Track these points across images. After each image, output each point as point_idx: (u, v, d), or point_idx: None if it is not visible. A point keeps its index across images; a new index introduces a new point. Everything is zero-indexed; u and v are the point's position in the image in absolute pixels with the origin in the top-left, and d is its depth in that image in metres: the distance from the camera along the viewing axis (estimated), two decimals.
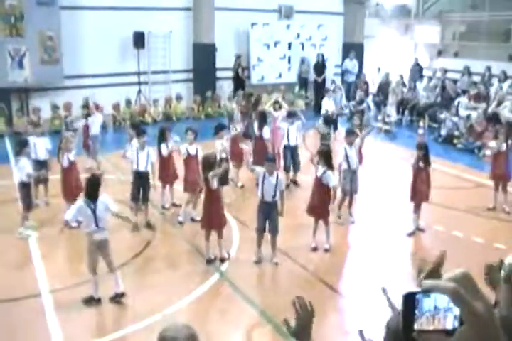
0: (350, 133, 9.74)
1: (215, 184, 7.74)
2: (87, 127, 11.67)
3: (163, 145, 9.53)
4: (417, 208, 9.00)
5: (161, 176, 9.78)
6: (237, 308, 6.83)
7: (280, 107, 12.13)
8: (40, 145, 9.80)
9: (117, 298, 6.79)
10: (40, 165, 9.67)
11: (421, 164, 8.78)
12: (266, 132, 11.01)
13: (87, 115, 11.79)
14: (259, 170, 7.99)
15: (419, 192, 8.87)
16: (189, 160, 9.36)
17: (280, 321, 6.38)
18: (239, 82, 18.35)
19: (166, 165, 9.73)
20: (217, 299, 7.14)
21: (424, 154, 8.76)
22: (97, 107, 12.64)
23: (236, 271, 7.73)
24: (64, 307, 6.65)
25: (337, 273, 7.94)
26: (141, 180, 8.96)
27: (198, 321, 6.52)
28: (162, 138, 9.60)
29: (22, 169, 8.72)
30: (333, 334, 6.30)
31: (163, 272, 7.65)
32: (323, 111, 14.10)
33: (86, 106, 12.23)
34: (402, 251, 8.63)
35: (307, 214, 8.47)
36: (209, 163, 7.76)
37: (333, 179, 8.27)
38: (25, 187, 8.85)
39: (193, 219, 9.30)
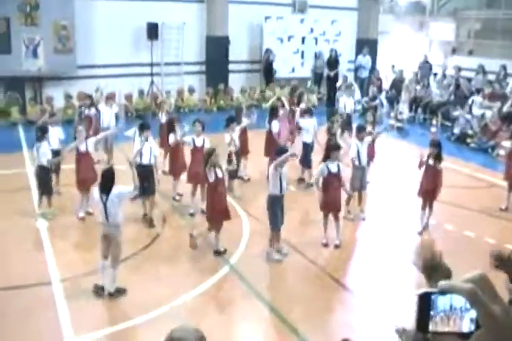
0: (361, 130, 9.72)
1: (212, 177, 7.71)
2: (90, 118, 11.45)
3: (171, 136, 9.57)
4: (425, 205, 8.97)
5: (170, 167, 9.79)
6: (245, 301, 6.85)
7: (283, 105, 12.05)
8: (54, 135, 9.82)
9: (104, 294, 6.74)
10: (54, 154, 9.69)
11: (431, 162, 8.73)
12: (275, 126, 11.00)
13: (91, 105, 11.67)
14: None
15: (425, 190, 8.85)
16: (195, 151, 9.35)
17: (287, 315, 6.42)
18: (268, 76, 18.61)
19: (174, 156, 9.74)
20: (226, 292, 7.16)
21: (437, 152, 8.72)
22: (109, 98, 12.49)
23: (245, 264, 7.74)
24: (73, 296, 6.70)
25: (346, 269, 7.94)
26: (144, 173, 8.85)
27: (206, 313, 6.55)
28: (171, 128, 9.65)
29: (44, 154, 8.88)
30: (340, 330, 6.29)
31: (173, 264, 7.66)
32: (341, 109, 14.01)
33: (89, 96, 12.13)
34: (410, 247, 8.60)
35: (321, 209, 8.45)
36: (205, 156, 7.77)
37: (317, 173, 8.33)
38: (44, 171, 8.98)
39: (203, 211, 9.29)
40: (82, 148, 9.03)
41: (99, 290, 6.75)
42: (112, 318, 6.34)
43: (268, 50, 18.65)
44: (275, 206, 7.82)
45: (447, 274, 4.02)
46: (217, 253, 7.92)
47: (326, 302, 7.01)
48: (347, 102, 13.65)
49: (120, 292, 6.79)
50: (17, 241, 8.11)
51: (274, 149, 8.68)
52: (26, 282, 6.90)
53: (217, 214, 7.87)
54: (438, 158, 8.75)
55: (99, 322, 6.27)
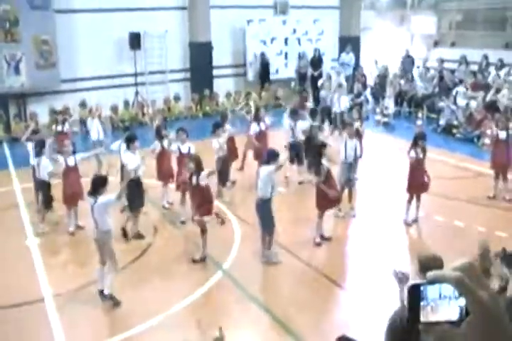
0: (350, 125, 9.79)
1: (193, 181, 7.77)
2: (64, 134, 11.29)
3: (156, 143, 9.62)
4: (412, 199, 8.99)
5: (157, 175, 9.82)
6: (240, 305, 6.85)
7: (251, 110, 12.06)
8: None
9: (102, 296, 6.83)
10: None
11: (421, 155, 8.79)
12: (252, 129, 11.06)
13: (64, 120, 11.54)
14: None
15: (416, 184, 8.86)
16: (181, 158, 9.34)
17: (283, 317, 6.43)
18: (265, 78, 19.07)
19: (160, 163, 9.75)
20: (220, 297, 7.15)
21: (423, 144, 8.79)
22: (95, 111, 12.49)
23: (238, 268, 7.75)
24: (67, 311, 6.68)
25: (339, 267, 7.95)
26: (136, 186, 8.69)
27: (201, 319, 6.53)
28: (158, 136, 9.71)
29: (45, 168, 8.89)
30: (336, 329, 6.29)
31: (166, 272, 7.65)
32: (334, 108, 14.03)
33: (60, 112, 12.01)
34: (403, 242, 8.64)
35: (321, 207, 8.45)
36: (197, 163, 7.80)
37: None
38: (45, 185, 9.06)
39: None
40: (70, 162, 9.00)
41: (101, 295, 6.82)
42: (107, 331, 6.34)
43: (263, 53, 18.85)
44: (269, 209, 7.83)
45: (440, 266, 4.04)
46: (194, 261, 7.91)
47: (321, 301, 7.02)
48: (341, 100, 13.71)
49: (114, 300, 6.81)
50: (8, 260, 8.08)
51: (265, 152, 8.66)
52: (19, 300, 6.87)
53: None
54: (424, 150, 8.82)
55: (94, 336, 6.26)
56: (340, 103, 13.74)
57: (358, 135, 10.69)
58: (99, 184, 6.86)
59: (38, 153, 9.00)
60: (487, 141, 10.53)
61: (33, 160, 9.19)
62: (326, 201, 8.37)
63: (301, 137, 10.99)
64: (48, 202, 9.12)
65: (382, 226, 9.10)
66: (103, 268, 6.88)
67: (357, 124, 10.84)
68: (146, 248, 8.48)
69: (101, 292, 6.85)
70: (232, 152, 10.75)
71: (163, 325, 6.40)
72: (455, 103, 15.00)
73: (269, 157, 7.94)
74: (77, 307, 6.76)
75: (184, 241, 8.77)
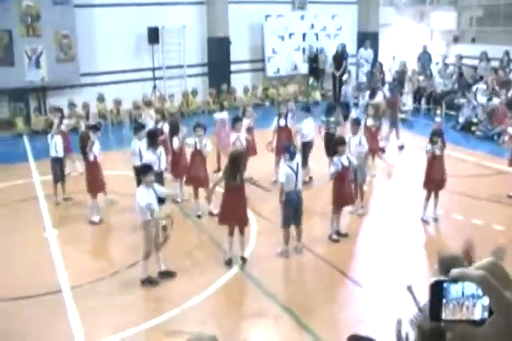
0: (356, 123, 9.73)
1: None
2: (63, 132, 11.03)
3: (175, 139, 9.61)
4: (430, 196, 8.94)
5: (173, 170, 9.84)
6: (255, 300, 6.86)
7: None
8: (60, 143, 9.93)
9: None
10: (60, 162, 9.84)
11: (437, 152, 8.72)
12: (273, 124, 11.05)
13: (61, 118, 11.29)
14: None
15: (433, 180, 8.82)
16: (195, 154, 9.36)
17: (298, 312, 6.44)
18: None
19: (177, 159, 9.78)
20: (236, 292, 7.18)
21: (441, 141, 8.71)
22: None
23: (254, 263, 7.76)
24: (85, 303, 6.73)
25: (355, 263, 7.94)
26: (159, 181, 8.88)
27: (217, 314, 6.58)
28: (174, 131, 9.72)
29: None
30: (351, 325, 6.30)
31: (182, 266, 7.68)
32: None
33: (59, 109, 12.02)
34: (420, 240, 8.59)
35: (337, 204, 8.44)
36: (233, 159, 7.65)
37: (332, 168, 8.30)
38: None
39: (211, 213, 9.33)
40: (91, 157, 9.10)
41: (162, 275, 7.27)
42: (124, 323, 6.35)
43: (311, 46, 19.29)
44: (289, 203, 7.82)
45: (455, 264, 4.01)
46: (227, 263, 7.78)
47: (337, 298, 7.02)
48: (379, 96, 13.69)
49: (151, 282, 7.13)
50: (26, 251, 8.17)
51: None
52: (37, 291, 6.95)
53: (236, 215, 7.74)
54: (442, 147, 8.76)
55: (111, 327, 6.31)
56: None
57: (370, 132, 10.64)
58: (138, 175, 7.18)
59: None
60: (507, 138, 10.41)
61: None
62: (340, 198, 8.38)
63: (307, 138, 10.87)
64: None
65: (400, 223, 9.06)
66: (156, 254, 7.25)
67: (370, 121, 10.79)
68: (163, 241, 8.50)
69: (160, 274, 7.27)
70: (250, 147, 10.72)
71: (179, 320, 6.44)
72: (475, 99, 14.85)
73: (284, 150, 7.93)
74: (95, 299, 6.81)
75: (200, 235, 8.81)
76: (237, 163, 7.53)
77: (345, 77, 16.88)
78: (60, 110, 11.68)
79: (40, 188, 10.74)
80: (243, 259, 7.80)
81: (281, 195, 7.75)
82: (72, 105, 15.06)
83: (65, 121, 11.42)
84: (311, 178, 10.93)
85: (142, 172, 7.18)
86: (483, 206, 9.61)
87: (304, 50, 19.40)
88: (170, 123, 10.43)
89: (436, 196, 8.93)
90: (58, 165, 9.88)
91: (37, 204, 9.94)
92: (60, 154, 9.93)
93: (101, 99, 15.97)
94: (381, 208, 9.73)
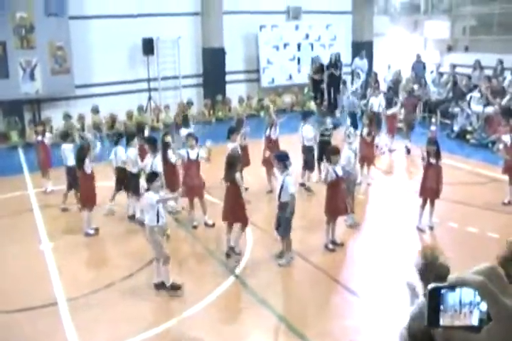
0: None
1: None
2: (43, 145, 11.24)
3: (169, 152, 9.58)
4: (425, 204, 8.94)
5: (168, 183, 9.79)
6: (251, 309, 6.85)
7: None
8: (69, 152, 9.99)
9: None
10: (70, 171, 9.91)
11: (432, 160, 8.74)
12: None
13: (43, 131, 11.45)
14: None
15: (429, 189, 8.83)
16: (189, 165, 9.35)
17: (293, 321, 6.42)
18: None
19: (172, 171, 9.73)
20: (232, 301, 7.15)
21: (435, 150, 8.73)
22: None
23: (250, 273, 7.76)
24: (81, 315, 6.71)
25: (350, 272, 7.91)
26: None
27: (214, 324, 6.55)
28: (166, 144, 9.68)
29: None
30: (347, 334, 6.29)
31: (178, 277, 7.66)
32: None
33: (40, 123, 12.06)
34: (416, 248, 8.56)
35: (329, 214, 8.44)
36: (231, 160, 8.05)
37: (325, 175, 8.31)
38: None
39: (206, 224, 9.32)
40: (88, 170, 9.10)
41: (158, 286, 7.23)
42: (121, 334, 6.32)
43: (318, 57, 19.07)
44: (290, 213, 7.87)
45: (444, 273, 3.98)
46: (228, 255, 8.18)
47: (332, 306, 7.00)
48: (375, 102, 13.75)
49: (175, 288, 7.15)
50: (22, 264, 8.12)
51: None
52: (33, 304, 6.91)
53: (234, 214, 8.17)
54: (437, 155, 8.77)
55: (107, 339, 6.27)
56: (375, 104, 13.85)
57: (365, 141, 10.65)
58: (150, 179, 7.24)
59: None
60: (501, 146, 10.45)
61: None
62: (332, 208, 8.38)
63: (308, 142, 10.94)
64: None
65: (395, 232, 9.05)
66: (156, 263, 7.24)
67: (365, 130, 10.82)
68: None
69: (155, 285, 7.21)
70: (244, 158, 10.71)
71: (175, 329, 6.42)
72: (469, 108, 14.91)
73: (278, 159, 7.91)
74: (91, 311, 6.79)
75: (195, 246, 8.80)
76: (234, 164, 7.98)
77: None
78: (42, 124, 11.77)
79: (35, 200, 10.72)
80: (231, 249, 8.20)
81: (293, 206, 7.81)
82: (67, 117, 15.08)
83: (48, 135, 11.45)
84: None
85: (150, 179, 7.21)
86: (478, 214, 9.62)
87: (312, 60, 19.27)
88: (161, 136, 10.19)
89: (432, 204, 8.93)
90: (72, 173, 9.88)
91: (32, 216, 9.92)
92: (71, 164, 9.92)
93: (95, 110, 15.97)
94: (377, 217, 9.73)
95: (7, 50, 14.85)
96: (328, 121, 11.14)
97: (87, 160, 8.98)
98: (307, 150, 10.91)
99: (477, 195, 10.43)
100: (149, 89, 17.21)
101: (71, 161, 9.85)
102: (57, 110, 15.66)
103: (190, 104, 17.43)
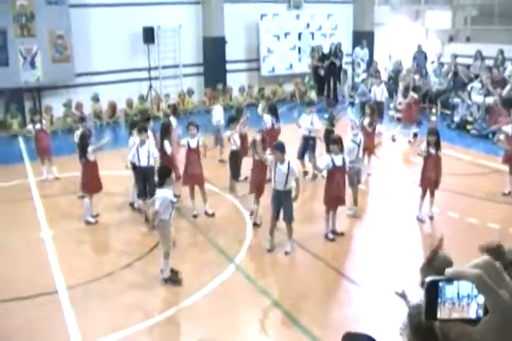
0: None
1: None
2: (43, 131, 11.29)
3: (166, 143, 9.54)
4: (425, 194, 8.96)
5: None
6: (251, 299, 6.87)
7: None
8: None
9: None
10: None
11: (432, 150, 8.74)
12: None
13: (40, 119, 11.52)
14: (270, 158, 8.02)
15: (427, 179, 8.85)
16: (190, 153, 9.33)
17: (293, 310, 6.45)
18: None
19: (169, 161, 9.71)
20: (232, 290, 7.17)
21: (436, 140, 8.73)
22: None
23: (250, 262, 7.81)
24: (81, 304, 6.73)
25: (350, 261, 7.93)
26: (144, 175, 8.95)
27: (214, 313, 6.57)
28: (165, 134, 9.62)
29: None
30: (346, 323, 6.31)
31: (178, 266, 7.68)
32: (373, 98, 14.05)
33: (37, 111, 12.01)
34: (416, 238, 8.61)
35: (325, 203, 8.48)
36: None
37: (322, 165, 8.40)
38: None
39: (206, 213, 9.34)
40: (91, 157, 9.08)
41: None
42: (121, 323, 6.34)
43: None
44: (271, 199, 8.02)
45: (444, 267, 3.92)
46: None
47: (331, 295, 7.02)
48: (377, 91, 13.74)
49: (173, 280, 7.13)
50: (22, 252, 8.14)
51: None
52: (33, 292, 6.93)
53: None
54: (437, 146, 8.77)
55: (108, 328, 6.28)
56: (377, 93, 13.86)
57: (366, 131, 10.62)
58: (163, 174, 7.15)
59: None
60: (501, 136, 10.44)
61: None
62: (329, 198, 8.42)
63: (305, 131, 10.96)
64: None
65: (396, 222, 9.07)
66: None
67: (366, 120, 10.82)
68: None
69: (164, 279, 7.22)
70: (244, 147, 10.72)
71: (176, 318, 6.45)
72: (470, 98, 14.88)
73: (277, 148, 7.93)
74: (91, 299, 6.80)
75: (196, 235, 8.81)
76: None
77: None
78: (40, 113, 11.74)
79: (35, 189, 10.73)
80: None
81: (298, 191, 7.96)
82: (68, 105, 15.04)
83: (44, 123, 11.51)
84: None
85: (164, 173, 7.14)
86: (479, 204, 9.64)
87: (313, 49, 19.18)
88: (161, 125, 10.04)
89: (432, 195, 8.95)
90: None
91: (32, 205, 9.92)
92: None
93: (96, 98, 15.94)
94: (377, 207, 9.75)
95: (7, 37, 14.79)
96: (332, 110, 11.16)
97: (89, 148, 8.97)
98: (308, 140, 10.91)
99: (477, 186, 10.43)
100: (150, 78, 17.16)
101: None
102: (57, 98, 15.62)
103: (190, 92, 17.40)
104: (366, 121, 10.83)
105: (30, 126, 11.39)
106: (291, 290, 7.11)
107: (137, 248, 8.16)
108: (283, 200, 7.91)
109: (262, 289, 7.02)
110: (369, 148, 10.80)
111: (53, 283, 7.21)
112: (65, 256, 8.05)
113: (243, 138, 10.57)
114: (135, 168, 9.11)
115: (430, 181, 8.86)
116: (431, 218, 9.03)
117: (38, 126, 11.15)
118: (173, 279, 7.17)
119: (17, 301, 6.76)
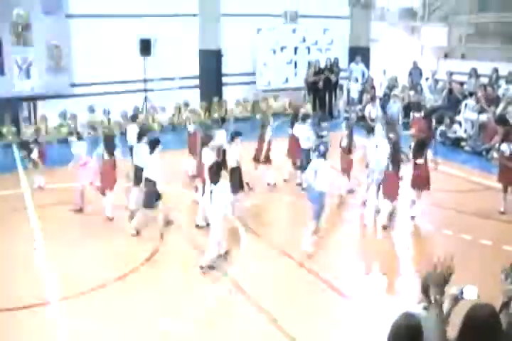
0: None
1: None
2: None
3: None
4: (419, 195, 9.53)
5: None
6: (237, 308, 6.87)
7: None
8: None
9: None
10: None
11: (419, 161, 9.31)
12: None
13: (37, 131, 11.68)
14: None
15: (419, 181, 9.42)
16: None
17: (279, 319, 6.39)
18: None
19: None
20: (219, 298, 7.13)
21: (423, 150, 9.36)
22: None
23: (239, 270, 7.82)
24: (74, 315, 6.67)
25: (337, 270, 7.91)
26: (155, 187, 8.93)
27: (205, 325, 6.52)
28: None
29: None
30: (335, 332, 6.31)
31: (171, 277, 7.65)
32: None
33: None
34: (407, 254, 8.63)
35: None
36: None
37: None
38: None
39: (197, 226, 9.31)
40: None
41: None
42: (113, 333, 6.28)
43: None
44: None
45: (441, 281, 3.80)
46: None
47: (319, 304, 6.98)
48: (372, 110, 13.87)
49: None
50: (16, 263, 8.07)
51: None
52: (27, 303, 6.87)
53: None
54: (420, 154, 9.33)
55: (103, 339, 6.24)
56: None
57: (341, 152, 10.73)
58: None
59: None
60: (495, 154, 10.49)
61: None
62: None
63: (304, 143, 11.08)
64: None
65: (388, 236, 9.10)
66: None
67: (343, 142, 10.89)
68: (153, 252, 8.45)
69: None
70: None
71: (171, 330, 6.39)
72: (463, 116, 14.98)
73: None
74: (85, 310, 6.76)
75: (194, 244, 8.75)
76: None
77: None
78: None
79: (29, 198, 10.68)
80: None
81: None
82: (62, 115, 15.02)
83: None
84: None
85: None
86: (472, 221, 9.67)
87: (309, 63, 19.30)
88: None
89: (420, 196, 9.52)
90: None
91: (26, 214, 9.87)
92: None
93: (91, 109, 15.92)
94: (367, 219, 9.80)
95: (3, 46, 14.79)
96: (325, 125, 11.16)
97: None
98: (304, 152, 10.94)
99: (471, 203, 10.47)
100: (145, 90, 17.17)
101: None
102: (52, 108, 15.61)
103: (186, 105, 17.41)
104: (344, 142, 10.78)
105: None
106: (276, 298, 7.07)
107: (131, 258, 8.12)
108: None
109: (249, 297, 7.03)
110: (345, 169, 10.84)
111: (47, 294, 7.16)
112: (59, 266, 7.96)
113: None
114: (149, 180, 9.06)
115: (420, 182, 9.48)
116: (412, 218, 9.60)
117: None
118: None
119: (9, 312, 6.69)
